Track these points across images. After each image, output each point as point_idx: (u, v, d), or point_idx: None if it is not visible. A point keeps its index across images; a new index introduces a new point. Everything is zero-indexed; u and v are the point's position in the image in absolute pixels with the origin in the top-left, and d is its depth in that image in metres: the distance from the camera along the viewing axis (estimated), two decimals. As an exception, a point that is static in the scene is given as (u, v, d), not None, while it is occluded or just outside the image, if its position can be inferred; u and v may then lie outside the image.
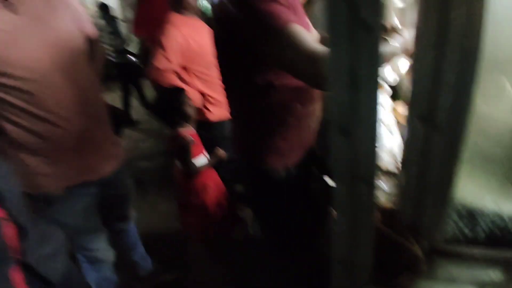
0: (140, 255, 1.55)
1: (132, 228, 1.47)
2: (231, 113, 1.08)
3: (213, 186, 1.64)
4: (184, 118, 1.53)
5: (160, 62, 1.49)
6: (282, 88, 0.92)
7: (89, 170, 1.12)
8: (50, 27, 0.98)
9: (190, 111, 1.53)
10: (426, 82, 0.46)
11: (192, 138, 1.53)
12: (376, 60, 0.38)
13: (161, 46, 1.48)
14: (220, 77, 1.02)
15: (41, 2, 0.98)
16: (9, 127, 0.97)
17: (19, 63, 0.92)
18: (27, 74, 0.93)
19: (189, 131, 1.55)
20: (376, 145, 0.42)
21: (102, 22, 3.43)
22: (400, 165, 0.84)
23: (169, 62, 1.52)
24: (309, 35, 0.83)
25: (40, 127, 1.00)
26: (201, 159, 1.58)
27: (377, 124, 0.41)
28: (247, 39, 0.87)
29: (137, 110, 4.04)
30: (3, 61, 0.90)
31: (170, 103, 1.51)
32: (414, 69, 0.47)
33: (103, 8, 3.55)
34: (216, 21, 0.94)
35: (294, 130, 0.98)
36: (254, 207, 1.20)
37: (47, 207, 1.08)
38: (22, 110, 0.96)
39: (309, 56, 0.78)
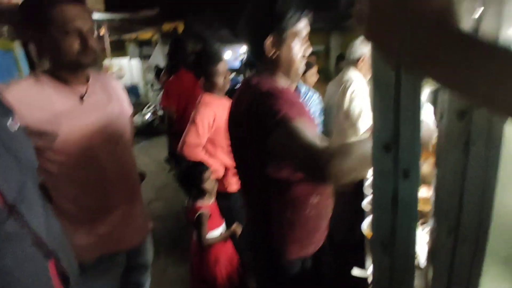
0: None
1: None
2: (246, 201, 1.11)
3: (225, 260, 1.66)
4: (204, 192, 1.62)
5: (192, 138, 1.64)
6: (298, 183, 0.97)
7: (121, 241, 1.19)
8: (106, 114, 1.15)
9: (211, 187, 1.62)
10: (450, 201, 0.54)
11: (209, 212, 1.60)
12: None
13: (195, 123, 1.63)
14: (235, 164, 1.09)
15: (101, 92, 1.16)
16: (54, 194, 1.06)
17: (73, 141, 1.05)
18: (78, 151, 1.06)
19: (208, 204, 1.62)
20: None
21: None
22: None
23: (200, 139, 1.66)
24: (312, 131, 0.89)
25: (83, 199, 1.09)
26: (216, 233, 1.63)
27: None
28: (257, 133, 0.94)
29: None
30: (63, 140, 1.03)
31: (193, 176, 1.62)
32: (439, 189, 0.55)
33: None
34: (232, 113, 1.05)
35: (313, 222, 1.02)
36: None
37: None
38: (70, 182, 1.07)
39: (309, 151, 0.82)
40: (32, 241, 0.66)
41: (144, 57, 7.95)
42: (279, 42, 0.95)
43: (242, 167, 1.08)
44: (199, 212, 1.59)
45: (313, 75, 2.34)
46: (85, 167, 1.08)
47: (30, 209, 0.67)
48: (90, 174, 1.10)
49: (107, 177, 1.13)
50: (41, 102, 1.03)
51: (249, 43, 1.03)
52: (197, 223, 1.59)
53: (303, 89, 1.96)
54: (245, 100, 0.98)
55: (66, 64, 1.06)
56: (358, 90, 1.90)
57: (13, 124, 0.71)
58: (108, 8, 5.78)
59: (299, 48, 0.97)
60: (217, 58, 1.76)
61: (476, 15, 0.45)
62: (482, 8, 0.44)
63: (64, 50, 1.02)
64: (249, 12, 1.00)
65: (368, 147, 0.86)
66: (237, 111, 1.02)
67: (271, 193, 0.98)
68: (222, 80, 1.75)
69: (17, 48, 4.83)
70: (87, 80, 1.14)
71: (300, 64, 0.99)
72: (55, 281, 0.70)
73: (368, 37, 0.33)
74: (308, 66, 2.08)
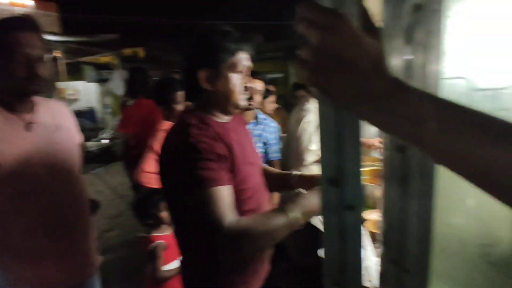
0: None
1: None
2: (180, 248, 1.08)
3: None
4: (160, 222, 1.56)
5: (149, 165, 1.59)
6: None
7: (73, 275, 1.13)
8: (54, 142, 1.10)
9: (168, 217, 1.56)
10: (393, 230, 0.58)
11: (165, 243, 1.53)
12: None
13: (153, 151, 1.59)
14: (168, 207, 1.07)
15: (49, 120, 1.12)
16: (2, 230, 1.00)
17: (19, 172, 0.99)
18: (25, 182, 1.01)
19: (164, 235, 1.56)
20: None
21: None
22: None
23: (157, 166, 1.61)
24: (228, 202, 0.88)
25: (31, 232, 1.04)
26: (172, 266, 1.55)
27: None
28: (176, 181, 0.95)
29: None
30: (7, 170, 0.96)
31: (150, 205, 1.56)
32: (384, 220, 0.59)
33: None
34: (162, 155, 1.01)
35: (251, 269, 1.02)
36: None
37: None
38: (18, 215, 1.01)
39: (215, 225, 0.84)
40: None
41: (102, 80, 7.71)
42: (214, 75, 0.95)
43: (169, 202, 1.06)
44: (154, 243, 1.52)
45: (271, 102, 2.41)
46: (33, 198, 1.03)
47: None
48: (38, 206, 1.04)
49: (56, 208, 1.08)
50: None
51: (184, 76, 1.03)
52: (152, 255, 1.51)
53: (261, 116, 2.02)
54: (175, 138, 0.98)
55: (12, 90, 1.02)
56: (312, 121, 1.99)
57: None
58: (65, 30, 5.60)
59: (237, 81, 0.96)
60: (176, 86, 1.77)
61: (406, 55, 0.51)
62: (410, 48, 0.50)
63: (10, 77, 0.98)
64: (187, 44, 1.01)
65: (277, 223, 0.92)
66: (167, 147, 1.01)
67: (202, 243, 0.97)
68: (181, 107, 1.76)
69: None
70: (34, 107, 1.09)
71: (238, 97, 0.98)
72: None
73: (310, 83, 0.36)
74: (267, 93, 2.14)
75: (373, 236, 1.27)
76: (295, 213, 0.86)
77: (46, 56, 1.05)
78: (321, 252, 1.16)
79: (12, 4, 5.12)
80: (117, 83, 6.28)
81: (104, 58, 6.89)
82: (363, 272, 0.55)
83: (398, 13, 0.46)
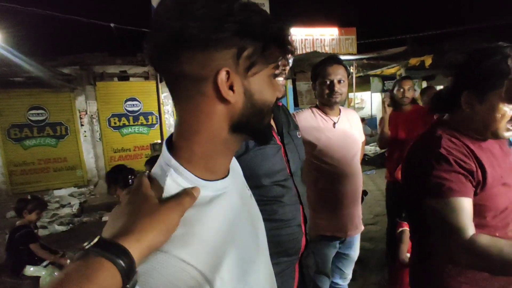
0: None
1: None
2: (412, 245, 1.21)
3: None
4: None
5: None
6: None
7: (348, 229, 1.76)
8: (349, 137, 1.73)
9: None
10: None
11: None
12: None
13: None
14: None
15: (347, 122, 1.76)
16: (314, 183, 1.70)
17: (327, 151, 1.67)
18: (333, 157, 1.69)
19: None
20: None
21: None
22: None
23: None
24: (469, 214, 0.88)
25: (328, 190, 1.71)
26: None
27: None
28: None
29: None
30: (321, 148, 1.66)
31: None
32: None
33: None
34: None
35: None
36: None
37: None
38: (322, 175, 1.71)
39: (458, 237, 0.84)
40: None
41: (386, 91, 8.28)
42: (479, 100, 0.94)
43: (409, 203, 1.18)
44: (402, 229, 1.77)
45: None
46: (333, 168, 1.68)
47: (297, 181, 1.19)
48: (334, 173, 1.68)
49: (344, 178, 1.68)
50: (313, 123, 1.72)
51: (449, 87, 1.05)
52: (399, 238, 1.79)
53: None
54: (424, 145, 1.06)
55: (324, 102, 1.72)
56: None
57: (298, 134, 1.30)
58: (360, 49, 6.62)
59: (503, 112, 0.92)
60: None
61: None
62: None
63: (322, 93, 1.69)
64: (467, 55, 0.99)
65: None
66: (414, 152, 1.12)
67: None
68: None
69: (289, 84, 6.52)
70: (339, 113, 1.76)
71: (501, 128, 0.96)
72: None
73: None
74: None
75: None
76: None
77: (344, 79, 1.61)
78: None
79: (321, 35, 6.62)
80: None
81: (391, 70, 7.38)
82: None
83: None
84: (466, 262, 0.90)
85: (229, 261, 0.57)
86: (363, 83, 8.03)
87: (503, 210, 0.98)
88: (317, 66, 1.74)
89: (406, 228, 1.77)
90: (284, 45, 0.57)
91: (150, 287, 0.45)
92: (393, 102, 2.91)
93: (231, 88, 0.54)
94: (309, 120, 1.73)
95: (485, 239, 0.87)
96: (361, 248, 2.82)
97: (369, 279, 2.65)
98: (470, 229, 0.88)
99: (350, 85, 6.43)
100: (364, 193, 1.95)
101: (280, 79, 1.11)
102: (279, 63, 0.58)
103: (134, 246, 0.42)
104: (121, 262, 0.40)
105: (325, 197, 1.70)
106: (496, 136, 0.96)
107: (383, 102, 2.91)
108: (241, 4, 0.53)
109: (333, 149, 1.68)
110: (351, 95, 7.51)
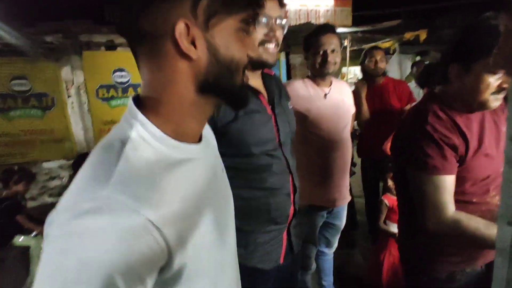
0: None
1: None
2: (399, 216, 1.28)
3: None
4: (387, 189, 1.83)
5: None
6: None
7: (335, 199, 1.83)
8: (339, 108, 1.75)
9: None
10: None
11: (387, 204, 1.91)
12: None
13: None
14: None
15: (338, 93, 1.75)
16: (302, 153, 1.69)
17: (318, 121, 1.70)
18: (323, 128, 1.73)
19: (394, 199, 1.82)
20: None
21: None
22: None
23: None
24: (451, 192, 0.93)
25: (315, 159, 1.75)
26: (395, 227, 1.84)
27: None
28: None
29: None
30: (312, 118, 1.69)
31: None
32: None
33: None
34: None
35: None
36: None
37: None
38: (313, 146, 1.74)
39: (438, 214, 0.90)
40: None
41: (379, 65, 8.17)
42: (465, 72, 0.97)
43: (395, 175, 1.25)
44: (381, 200, 1.90)
45: None
46: (321, 138, 1.72)
47: (287, 151, 1.18)
48: (324, 143, 1.73)
49: (333, 147, 1.71)
50: (304, 94, 1.70)
51: (439, 61, 1.08)
52: (378, 209, 1.95)
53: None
54: (412, 120, 1.11)
55: (316, 72, 1.69)
56: None
57: (290, 105, 1.28)
58: (355, 21, 6.47)
59: (489, 83, 0.95)
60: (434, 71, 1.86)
61: None
62: None
63: (314, 63, 1.66)
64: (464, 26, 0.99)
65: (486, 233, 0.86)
66: (403, 126, 1.16)
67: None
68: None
69: (282, 58, 6.41)
70: (330, 84, 1.74)
71: (488, 99, 0.98)
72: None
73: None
74: None
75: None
76: None
77: (337, 49, 1.58)
78: None
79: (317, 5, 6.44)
80: (393, 68, 6.51)
81: (385, 44, 7.27)
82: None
83: None
84: (444, 235, 0.98)
85: (202, 227, 0.56)
86: (357, 58, 7.92)
87: (484, 179, 1.02)
88: (310, 36, 1.69)
89: (384, 198, 1.88)
90: None
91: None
92: (365, 75, 2.78)
93: (193, 43, 0.51)
94: (300, 91, 1.71)
95: (464, 217, 0.94)
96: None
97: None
98: (450, 206, 0.94)
99: (343, 59, 6.34)
100: (353, 164, 1.99)
101: (270, 45, 1.07)
102: (248, 16, 0.55)
103: None
104: None
105: (314, 167, 1.71)
106: (482, 107, 0.98)
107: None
108: None
109: (323, 119, 1.68)
110: (344, 69, 7.42)
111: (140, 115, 0.53)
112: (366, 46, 7.71)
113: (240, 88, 0.58)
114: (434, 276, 1.08)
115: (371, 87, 2.69)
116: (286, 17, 0.88)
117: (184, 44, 0.51)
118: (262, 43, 1.05)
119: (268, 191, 1.10)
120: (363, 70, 2.76)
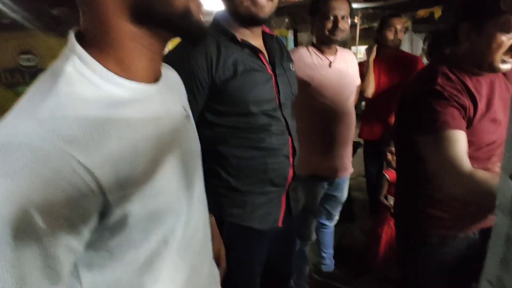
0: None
1: None
2: (397, 187, 1.25)
3: None
4: (389, 164, 1.83)
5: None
6: None
7: (338, 169, 1.89)
8: (342, 77, 1.75)
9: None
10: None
11: (388, 178, 1.80)
12: None
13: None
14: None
15: (343, 63, 1.78)
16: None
17: (323, 88, 1.71)
18: (324, 96, 1.74)
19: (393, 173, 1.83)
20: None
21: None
22: None
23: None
24: (465, 147, 0.89)
25: (319, 127, 1.78)
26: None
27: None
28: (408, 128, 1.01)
29: None
30: (316, 85, 1.69)
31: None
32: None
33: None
34: None
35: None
36: None
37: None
38: (316, 112, 1.77)
39: (457, 169, 0.85)
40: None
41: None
42: (476, 31, 0.92)
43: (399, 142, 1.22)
44: (382, 175, 1.83)
45: None
46: (325, 104, 1.72)
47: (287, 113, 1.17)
48: (326, 113, 1.72)
49: (334, 118, 1.70)
50: (308, 61, 1.70)
51: (447, 24, 1.09)
52: (379, 184, 1.86)
53: None
54: (420, 81, 1.10)
55: (323, 39, 1.66)
56: None
57: (292, 67, 1.26)
58: (366, -2, 6.24)
59: (501, 42, 0.92)
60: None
61: None
62: None
63: (322, 29, 1.62)
64: None
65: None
66: (410, 87, 1.15)
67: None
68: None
69: (290, 35, 6.27)
70: (335, 52, 1.73)
71: (498, 59, 0.96)
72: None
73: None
74: None
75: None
76: None
77: (347, 16, 1.55)
78: None
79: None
80: (404, 47, 6.32)
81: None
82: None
83: None
84: (464, 193, 0.94)
85: (157, 174, 0.52)
86: (368, 36, 7.70)
87: (488, 144, 1.01)
88: (317, 0, 1.63)
89: (385, 173, 1.86)
90: None
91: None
92: (379, 45, 2.50)
93: None
94: (304, 58, 1.67)
95: (484, 174, 0.90)
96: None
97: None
98: (466, 162, 0.91)
99: (353, 38, 6.16)
100: (358, 145, 1.97)
101: None
102: None
103: None
104: None
105: (316, 135, 1.70)
106: (492, 69, 0.96)
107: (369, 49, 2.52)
108: None
109: (327, 88, 1.64)
110: (353, 48, 7.24)
111: (79, 48, 0.49)
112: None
113: (183, 15, 0.51)
114: (426, 241, 1.08)
115: (382, 58, 2.44)
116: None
117: None
118: None
119: (265, 151, 1.09)
120: (378, 41, 2.49)
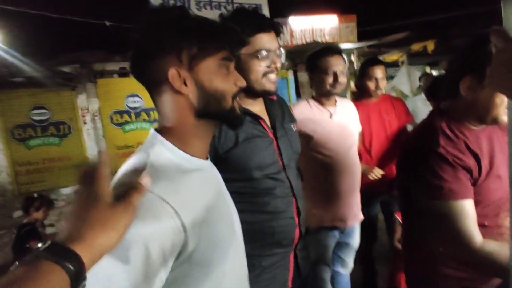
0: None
1: None
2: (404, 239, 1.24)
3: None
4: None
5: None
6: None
7: (348, 218, 1.82)
8: (346, 127, 1.75)
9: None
10: None
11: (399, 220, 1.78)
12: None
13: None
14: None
15: (343, 113, 1.76)
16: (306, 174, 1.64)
17: (324, 142, 1.69)
18: (331, 148, 1.71)
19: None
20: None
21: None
22: None
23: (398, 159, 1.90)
24: (474, 218, 0.89)
25: (323, 181, 1.73)
26: None
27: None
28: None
29: None
30: (317, 140, 1.69)
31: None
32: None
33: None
34: None
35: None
36: None
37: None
38: (319, 167, 1.73)
39: (467, 244, 0.86)
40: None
41: (388, 78, 8.14)
42: (478, 85, 0.91)
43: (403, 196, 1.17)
44: (394, 217, 1.78)
45: None
46: (331, 158, 1.69)
47: (291, 174, 1.18)
48: (333, 162, 1.69)
49: (339, 168, 1.68)
50: (309, 115, 1.70)
51: (447, 73, 1.10)
52: (391, 228, 1.83)
53: None
54: (422, 139, 1.06)
55: (323, 93, 1.70)
56: None
57: (294, 127, 1.29)
58: (360, 36, 6.52)
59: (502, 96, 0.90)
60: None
61: None
62: None
63: (322, 84, 1.67)
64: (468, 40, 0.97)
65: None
66: (412, 145, 1.13)
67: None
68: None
69: (290, 77, 6.48)
70: (335, 103, 1.75)
71: (501, 112, 0.93)
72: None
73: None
74: None
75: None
76: None
77: (344, 70, 1.62)
78: None
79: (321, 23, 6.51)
80: (402, 80, 6.46)
81: (393, 57, 7.28)
82: None
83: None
84: (475, 266, 0.94)
85: (215, 222, 0.70)
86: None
87: (495, 201, 0.98)
88: (315, 57, 1.72)
89: (397, 217, 1.84)
90: (221, 39, 0.70)
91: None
92: (360, 91, 2.31)
93: (185, 83, 0.68)
94: (305, 112, 1.72)
95: (494, 246, 0.89)
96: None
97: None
98: (477, 235, 0.89)
99: (351, 74, 6.35)
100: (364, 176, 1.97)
101: (272, 75, 1.12)
102: (226, 54, 0.71)
103: (85, 251, 0.43)
104: (71, 266, 0.40)
105: (322, 187, 1.70)
106: (495, 121, 0.94)
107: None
108: (179, 14, 0.68)
109: (329, 140, 1.68)
110: (352, 85, 7.42)
111: (159, 136, 0.71)
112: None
113: (230, 111, 0.73)
114: None
115: (366, 103, 2.22)
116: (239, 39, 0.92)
117: (177, 84, 0.68)
118: (265, 74, 1.10)
119: (271, 214, 1.10)
120: (358, 87, 2.30)
